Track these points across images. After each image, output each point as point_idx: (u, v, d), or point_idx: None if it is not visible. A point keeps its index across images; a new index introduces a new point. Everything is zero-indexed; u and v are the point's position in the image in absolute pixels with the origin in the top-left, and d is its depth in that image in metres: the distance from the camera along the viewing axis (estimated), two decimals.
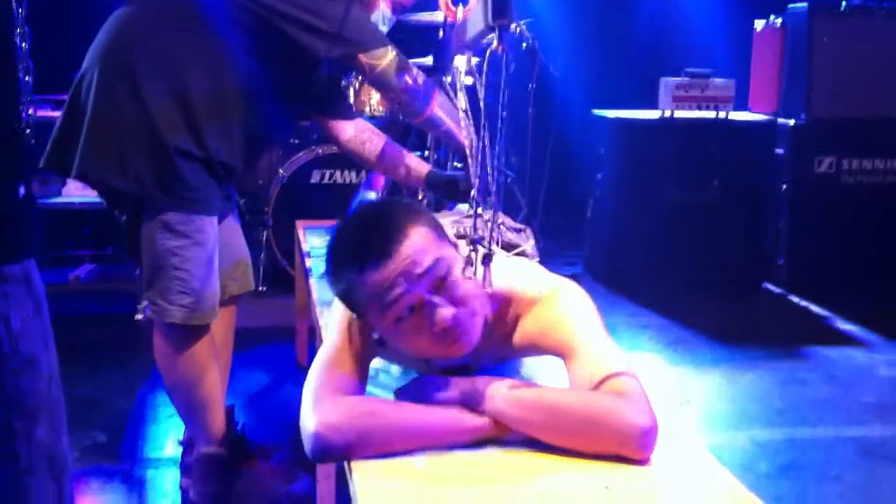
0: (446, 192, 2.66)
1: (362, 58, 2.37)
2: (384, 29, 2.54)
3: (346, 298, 1.59)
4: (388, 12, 2.56)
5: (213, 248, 2.41)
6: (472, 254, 1.55)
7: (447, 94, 2.57)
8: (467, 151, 2.32)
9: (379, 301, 1.51)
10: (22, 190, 1.07)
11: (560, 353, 1.60)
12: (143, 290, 2.45)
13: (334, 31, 2.31)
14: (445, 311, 1.50)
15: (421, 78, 2.45)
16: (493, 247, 1.59)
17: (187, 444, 2.65)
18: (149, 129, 2.26)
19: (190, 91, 2.28)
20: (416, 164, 2.72)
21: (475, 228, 1.56)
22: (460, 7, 2.36)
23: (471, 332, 1.54)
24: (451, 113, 2.50)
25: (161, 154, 2.27)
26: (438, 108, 2.50)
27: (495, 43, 1.67)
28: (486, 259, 1.55)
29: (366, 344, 1.63)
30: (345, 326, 1.64)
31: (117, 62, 2.30)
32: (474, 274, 1.56)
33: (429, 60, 3.68)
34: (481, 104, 1.85)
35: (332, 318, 1.70)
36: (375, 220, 1.56)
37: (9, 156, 1.07)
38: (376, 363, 1.74)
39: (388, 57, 2.38)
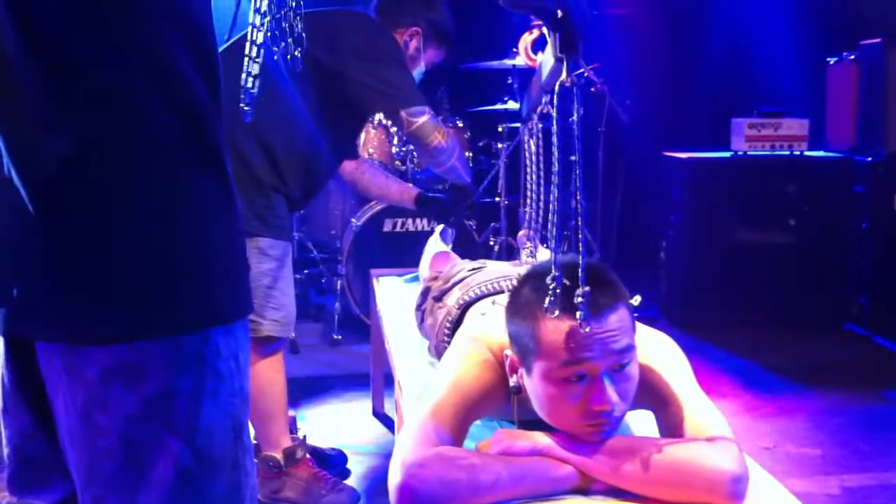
0: (434, 210, 3.31)
1: (403, 114, 2.73)
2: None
3: (520, 330, 1.52)
4: (423, 68, 2.98)
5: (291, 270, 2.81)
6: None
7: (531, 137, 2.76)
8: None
9: (558, 353, 1.45)
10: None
11: (651, 402, 1.59)
12: None
13: (389, 91, 2.70)
14: (612, 395, 1.46)
15: (449, 137, 2.82)
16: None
17: None
18: (246, 173, 2.57)
19: (274, 145, 2.65)
20: (405, 188, 3.37)
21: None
22: (540, 54, 2.37)
23: (612, 428, 1.50)
24: (462, 159, 3.00)
25: (255, 191, 2.62)
26: (457, 160, 2.91)
27: (564, 75, 1.65)
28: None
29: (481, 398, 1.59)
30: (456, 378, 1.60)
31: None
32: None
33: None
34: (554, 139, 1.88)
35: (442, 371, 1.66)
36: (597, 274, 1.47)
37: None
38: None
39: (424, 117, 2.74)
